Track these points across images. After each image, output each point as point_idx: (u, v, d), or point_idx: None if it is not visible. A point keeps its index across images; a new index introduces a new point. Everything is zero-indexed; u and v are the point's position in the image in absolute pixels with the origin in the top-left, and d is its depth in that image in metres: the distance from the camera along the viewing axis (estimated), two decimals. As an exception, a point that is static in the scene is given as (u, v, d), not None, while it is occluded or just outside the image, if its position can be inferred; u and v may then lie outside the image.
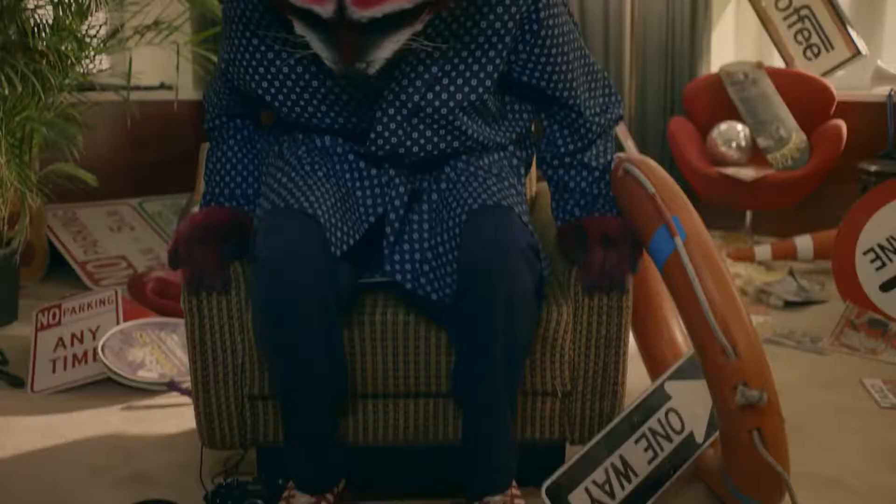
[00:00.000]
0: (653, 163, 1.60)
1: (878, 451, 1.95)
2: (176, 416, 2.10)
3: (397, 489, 1.70)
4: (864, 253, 2.79)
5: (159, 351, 2.33)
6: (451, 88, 1.49)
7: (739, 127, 3.77)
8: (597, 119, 1.65)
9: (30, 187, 2.52)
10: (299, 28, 1.30)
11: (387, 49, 1.29)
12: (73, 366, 2.31)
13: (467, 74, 1.49)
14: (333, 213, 1.48)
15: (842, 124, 3.60)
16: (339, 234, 1.46)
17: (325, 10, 1.22)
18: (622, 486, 1.58)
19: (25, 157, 2.64)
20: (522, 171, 1.69)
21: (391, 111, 1.49)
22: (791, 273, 3.24)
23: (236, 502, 1.56)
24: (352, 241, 1.48)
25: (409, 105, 1.48)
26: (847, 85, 3.83)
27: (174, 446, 1.95)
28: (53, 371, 2.31)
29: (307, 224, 1.43)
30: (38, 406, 2.18)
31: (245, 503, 1.56)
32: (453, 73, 1.49)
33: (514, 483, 1.57)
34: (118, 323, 2.38)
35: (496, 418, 1.51)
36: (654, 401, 1.66)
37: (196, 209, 1.66)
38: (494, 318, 1.41)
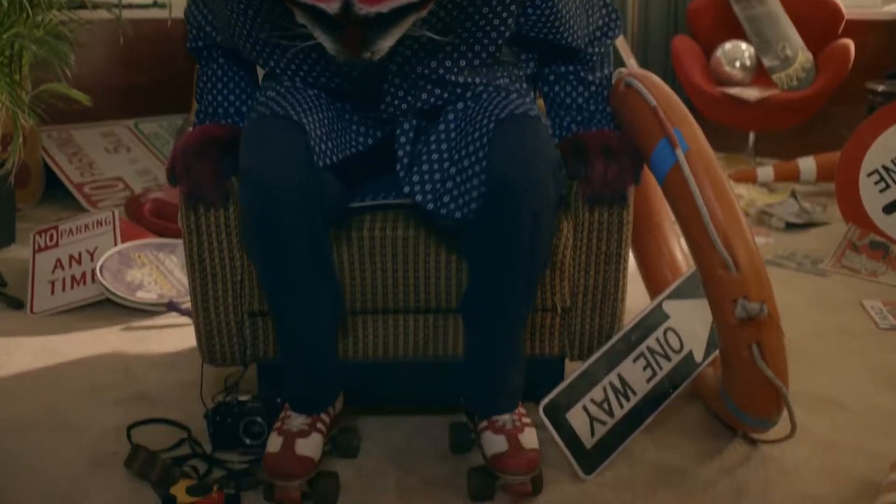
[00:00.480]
0: (655, 77, 1.57)
1: (876, 371, 1.95)
2: (176, 336, 2.10)
3: (395, 402, 1.72)
4: (868, 174, 2.76)
5: (158, 272, 2.32)
6: (458, 58, 1.45)
7: (744, 46, 3.70)
8: (597, 48, 1.61)
9: (21, 107, 2.47)
10: (301, 18, 1.24)
11: (392, 38, 1.24)
12: (72, 287, 2.31)
13: (475, 46, 1.45)
14: (321, 126, 1.43)
15: (850, 43, 3.53)
16: (323, 147, 1.41)
17: (331, 7, 1.17)
18: (620, 405, 1.58)
19: (16, 76, 2.59)
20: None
21: (397, 81, 1.45)
22: (793, 195, 3.21)
23: (236, 420, 1.57)
24: (337, 158, 1.44)
25: (416, 74, 1.44)
26: (857, 2, 3.74)
27: (174, 366, 1.95)
28: (52, 292, 2.31)
29: (292, 130, 1.38)
30: (38, 327, 2.18)
31: (244, 420, 1.57)
32: (461, 46, 1.44)
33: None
34: (116, 244, 2.37)
35: (511, 336, 1.50)
36: (652, 320, 1.65)
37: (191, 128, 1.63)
38: (520, 231, 1.37)
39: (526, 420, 1.51)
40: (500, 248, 1.40)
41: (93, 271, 2.29)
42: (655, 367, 1.63)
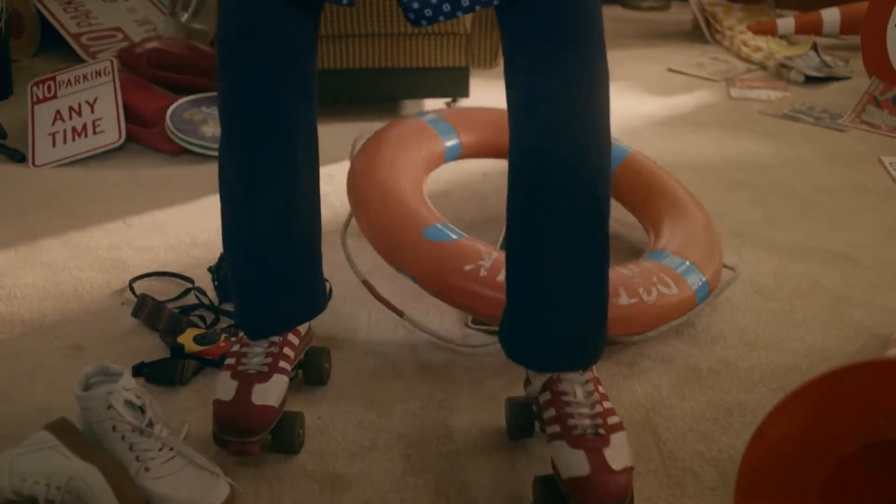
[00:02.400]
0: None
1: (891, 228, 1.92)
2: (186, 185, 2.07)
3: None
4: (896, 25, 2.64)
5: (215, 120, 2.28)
6: None
7: None
8: None
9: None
10: None
11: None
12: (73, 139, 2.26)
13: None
14: None
15: None
16: None
17: None
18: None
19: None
20: None
21: None
22: (814, 47, 3.10)
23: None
24: None
25: None
26: None
27: (184, 217, 1.94)
28: (53, 145, 2.26)
29: None
30: (42, 180, 2.15)
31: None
32: None
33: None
34: (116, 94, 2.31)
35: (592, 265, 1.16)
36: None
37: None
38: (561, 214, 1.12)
39: (613, 420, 1.12)
40: (538, 231, 1.14)
41: (94, 122, 2.25)
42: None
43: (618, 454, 1.08)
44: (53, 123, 2.31)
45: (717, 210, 1.98)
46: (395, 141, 1.65)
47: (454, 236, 1.45)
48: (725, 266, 1.66)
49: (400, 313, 1.44)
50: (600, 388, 1.17)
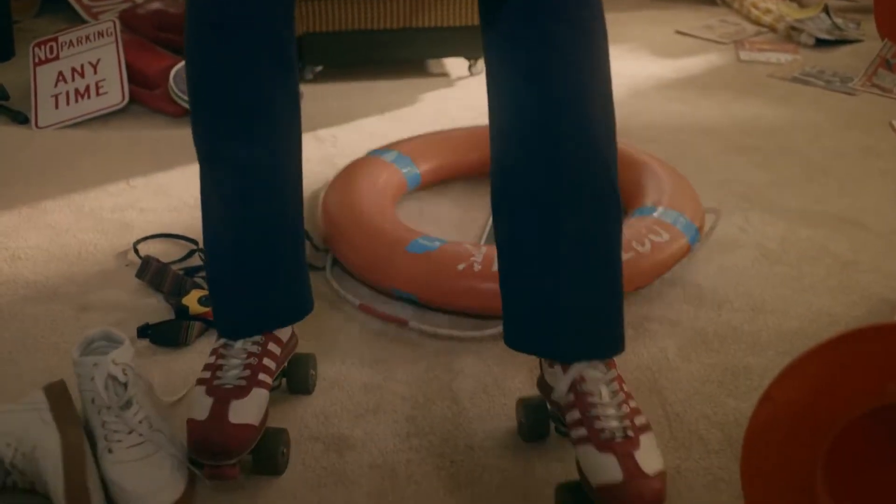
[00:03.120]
0: None
1: (900, 191, 1.91)
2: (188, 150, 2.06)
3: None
4: (909, -14, 2.60)
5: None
6: None
7: None
8: None
9: None
10: None
11: None
12: (77, 101, 2.25)
13: None
14: None
15: None
16: None
17: None
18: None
19: None
20: None
21: None
22: (826, 10, 3.05)
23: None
24: None
25: None
26: None
27: (185, 180, 1.92)
28: (56, 107, 2.25)
29: None
30: (45, 141, 2.14)
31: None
32: None
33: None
34: (118, 56, 2.28)
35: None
36: None
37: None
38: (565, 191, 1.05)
39: (640, 420, 1.05)
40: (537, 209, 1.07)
41: (97, 84, 2.23)
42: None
43: (650, 456, 1.01)
44: (56, 85, 2.29)
45: (725, 174, 1.96)
46: (359, 178, 1.69)
47: (437, 244, 1.47)
48: (707, 210, 1.68)
49: (404, 322, 1.44)
50: (624, 387, 1.08)
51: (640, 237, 1.48)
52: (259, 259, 1.15)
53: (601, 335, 1.08)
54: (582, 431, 1.03)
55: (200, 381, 1.11)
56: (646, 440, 1.03)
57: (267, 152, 1.13)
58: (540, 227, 1.07)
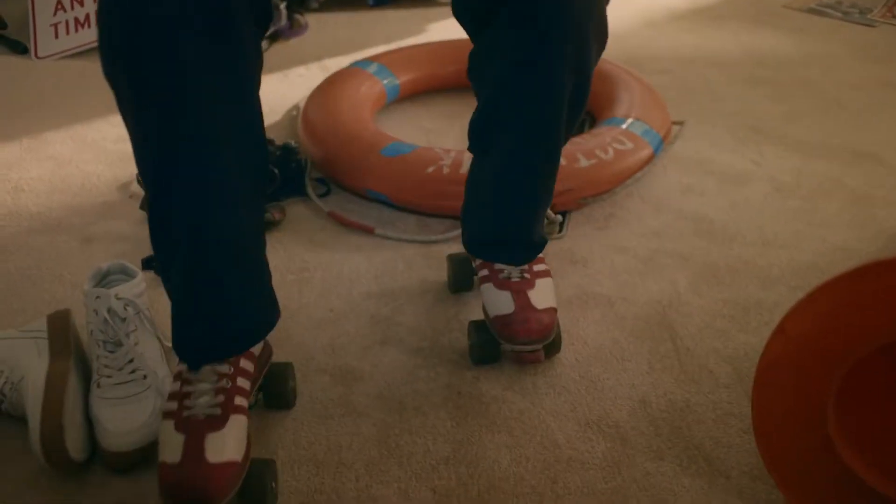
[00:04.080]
0: None
1: (917, 124, 1.87)
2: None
3: None
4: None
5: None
6: None
7: None
8: None
9: None
10: None
11: None
12: (76, 30, 2.20)
13: None
14: None
15: None
16: None
17: None
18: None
19: None
20: None
21: None
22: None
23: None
24: None
25: None
26: None
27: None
28: (56, 36, 2.20)
29: None
30: (45, 72, 2.10)
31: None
32: None
33: None
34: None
35: (551, 165, 1.15)
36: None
37: None
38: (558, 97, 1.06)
39: (540, 267, 1.19)
40: (527, 109, 1.08)
41: (96, 13, 2.18)
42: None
43: (542, 295, 1.14)
44: (55, 14, 2.24)
45: (737, 105, 1.92)
46: (340, 87, 1.76)
47: (410, 148, 1.54)
48: (674, 122, 1.76)
49: (370, 230, 1.47)
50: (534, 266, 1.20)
51: (604, 145, 1.56)
52: (230, 255, 0.97)
53: (524, 249, 1.20)
54: (485, 272, 1.18)
55: (167, 415, 0.95)
56: (542, 283, 1.16)
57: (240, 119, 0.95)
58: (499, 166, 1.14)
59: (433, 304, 1.32)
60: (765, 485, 1.02)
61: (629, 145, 1.58)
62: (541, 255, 1.21)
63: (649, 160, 1.61)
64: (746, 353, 1.22)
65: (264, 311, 1.06)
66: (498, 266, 1.17)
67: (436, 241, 1.46)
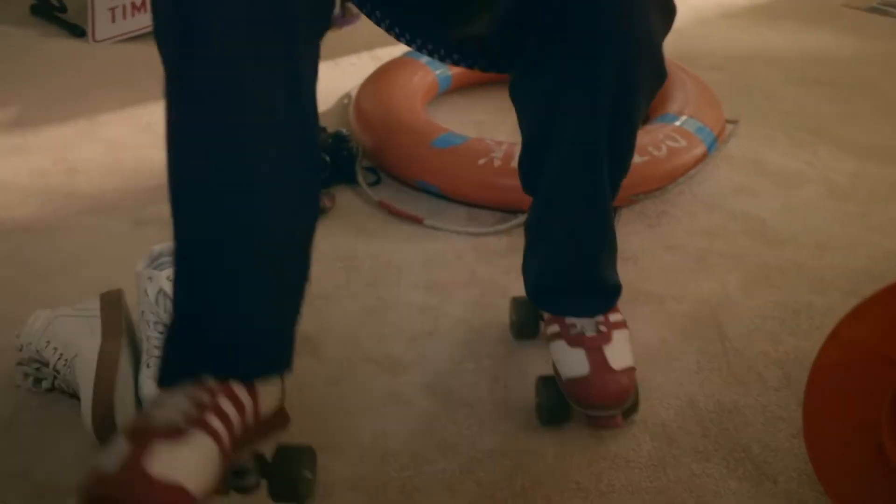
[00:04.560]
0: None
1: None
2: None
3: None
4: None
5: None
6: None
7: None
8: None
9: None
10: None
11: None
12: (133, 15, 2.23)
13: None
14: None
15: None
16: None
17: None
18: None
19: None
20: None
21: None
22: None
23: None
24: None
25: None
26: None
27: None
28: (113, 20, 2.23)
29: None
30: (102, 55, 2.13)
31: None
32: None
33: None
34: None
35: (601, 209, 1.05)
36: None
37: None
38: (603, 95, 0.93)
39: (616, 318, 1.08)
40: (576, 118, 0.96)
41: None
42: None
43: (620, 352, 1.03)
44: (112, -2, 2.28)
45: (792, 105, 1.89)
46: (392, 77, 1.77)
47: (462, 139, 1.55)
48: (728, 121, 1.72)
49: (420, 220, 1.48)
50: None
51: (657, 142, 1.55)
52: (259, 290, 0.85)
53: (598, 298, 1.09)
54: (555, 328, 1.07)
55: (125, 429, 0.78)
56: (619, 336, 1.04)
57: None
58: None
59: (481, 295, 1.32)
60: (812, 491, 1.01)
61: (682, 143, 1.57)
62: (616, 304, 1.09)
63: (703, 158, 1.59)
64: (797, 357, 1.21)
65: (281, 343, 0.89)
66: (569, 320, 1.05)
67: (486, 234, 1.46)
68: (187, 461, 0.73)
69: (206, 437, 0.76)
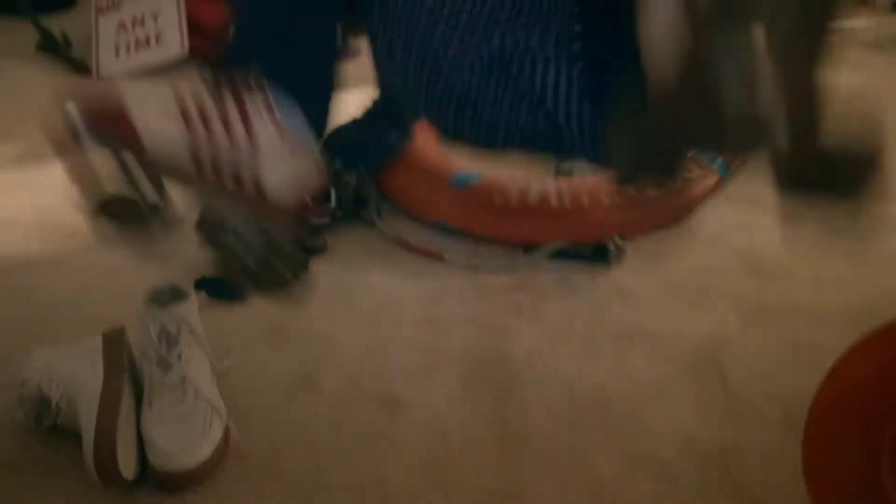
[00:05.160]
0: None
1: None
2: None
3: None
4: None
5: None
6: None
7: None
8: None
9: None
10: None
11: None
12: (137, 50, 2.26)
13: None
14: None
15: None
16: None
17: None
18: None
19: None
20: None
21: None
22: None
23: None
24: None
25: None
26: None
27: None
28: (117, 56, 2.26)
29: None
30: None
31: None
32: None
33: None
34: (178, 6, 2.28)
35: None
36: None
37: None
38: None
39: None
40: None
41: (157, 34, 2.23)
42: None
43: None
44: (117, 34, 2.31)
45: (792, 142, 1.90)
46: None
47: (476, 178, 1.54)
48: None
49: (441, 258, 1.48)
50: None
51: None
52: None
53: None
54: None
55: None
56: None
57: None
58: None
59: (481, 334, 1.32)
60: (814, 530, 1.00)
61: (696, 172, 1.60)
62: None
63: (718, 187, 1.63)
64: (796, 395, 1.20)
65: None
66: None
67: (505, 270, 1.46)
68: (152, 108, 0.77)
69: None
